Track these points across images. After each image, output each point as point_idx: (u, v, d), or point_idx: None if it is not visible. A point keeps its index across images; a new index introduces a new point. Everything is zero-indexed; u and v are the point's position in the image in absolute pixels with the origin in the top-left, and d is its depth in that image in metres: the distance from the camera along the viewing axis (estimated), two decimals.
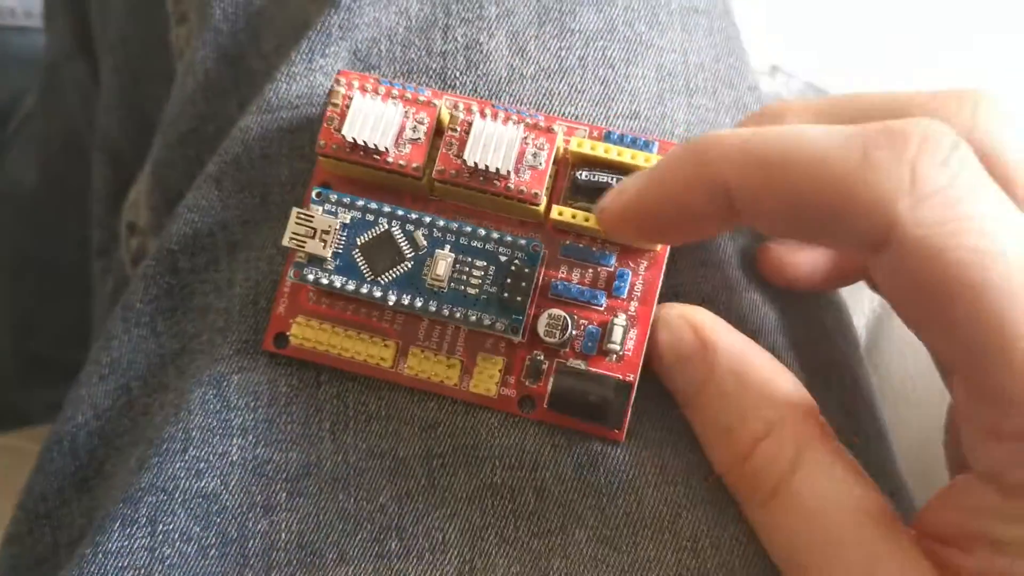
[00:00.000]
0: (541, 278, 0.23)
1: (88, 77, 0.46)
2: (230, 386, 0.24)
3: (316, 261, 0.23)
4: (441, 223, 0.22)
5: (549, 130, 0.22)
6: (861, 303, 0.34)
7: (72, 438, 0.26)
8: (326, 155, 0.23)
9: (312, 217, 0.22)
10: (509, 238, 0.22)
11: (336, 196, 0.23)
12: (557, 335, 0.22)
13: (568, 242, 0.23)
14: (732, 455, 0.21)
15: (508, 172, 0.22)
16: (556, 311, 0.22)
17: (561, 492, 0.22)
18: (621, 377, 0.22)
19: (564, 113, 0.25)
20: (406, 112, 0.23)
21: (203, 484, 0.23)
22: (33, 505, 0.26)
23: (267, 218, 0.25)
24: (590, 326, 0.23)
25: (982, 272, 0.16)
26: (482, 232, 0.22)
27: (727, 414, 0.21)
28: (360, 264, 0.22)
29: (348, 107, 0.22)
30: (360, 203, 0.23)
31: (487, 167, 0.22)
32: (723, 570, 0.21)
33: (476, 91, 0.25)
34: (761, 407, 0.20)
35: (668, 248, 0.23)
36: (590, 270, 0.23)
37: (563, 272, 0.23)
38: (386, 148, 0.22)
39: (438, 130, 0.23)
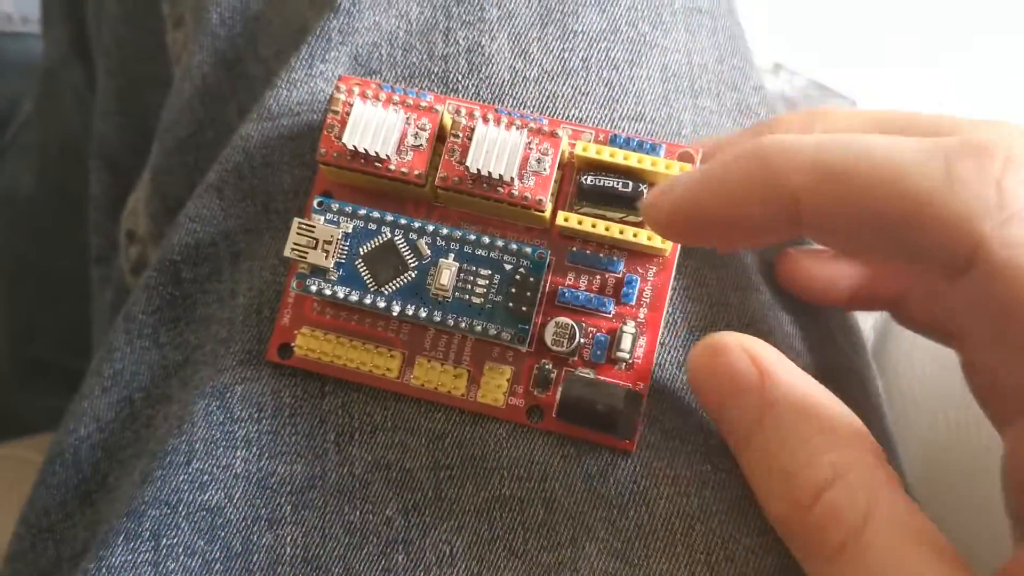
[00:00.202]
0: (548, 285, 0.23)
1: (85, 82, 0.46)
2: (233, 397, 0.23)
3: (319, 272, 0.22)
4: (444, 231, 0.22)
5: (553, 135, 0.22)
6: None
7: (75, 451, 0.26)
8: (327, 163, 0.23)
9: (313, 227, 0.22)
10: (514, 246, 0.22)
11: (338, 205, 0.22)
12: (565, 344, 0.22)
13: (575, 248, 0.23)
14: (792, 503, 0.18)
15: (512, 178, 0.22)
16: (564, 319, 0.22)
17: (571, 504, 0.22)
18: (631, 386, 0.22)
19: (568, 116, 0.24)
20: (407, 118, 0.22)
21: (207, 497, 0.23)
22: (36, 519, 0.26)
23: (269, 227, 0.25)
24: (599, 334, 0.22)
25: None
26: (486, 240, 0.22)
27: (787, 456, 0.18)
28: (363, 274, 0.22)
29: (348, 114, 0.22)
30: (362, 212, 0.22)
31: (490, 173, 0.22)
32: None
33: (479, 94, 0.25)
34: (827, 450, 0.18)
35: (677, 253, 0.23)
36: (598, 276, 0.23)
37: (570, 279, 0.23)
38: (387, 156, 0.22)
39: (440, 136, 0.23)
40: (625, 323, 0.22)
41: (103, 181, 0.41)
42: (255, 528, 0.22)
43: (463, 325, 0.22)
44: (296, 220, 0.22)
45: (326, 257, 0.22)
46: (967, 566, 0.17)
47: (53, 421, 0.27)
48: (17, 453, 0.43)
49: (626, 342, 0.22)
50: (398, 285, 0.22)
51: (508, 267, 0.22)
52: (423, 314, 0.22)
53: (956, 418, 0.25)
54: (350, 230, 0.22)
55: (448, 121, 0.23)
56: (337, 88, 0.23)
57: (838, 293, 0.23)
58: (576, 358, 0.22)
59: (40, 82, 0.51)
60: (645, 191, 0.22)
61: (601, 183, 0.22)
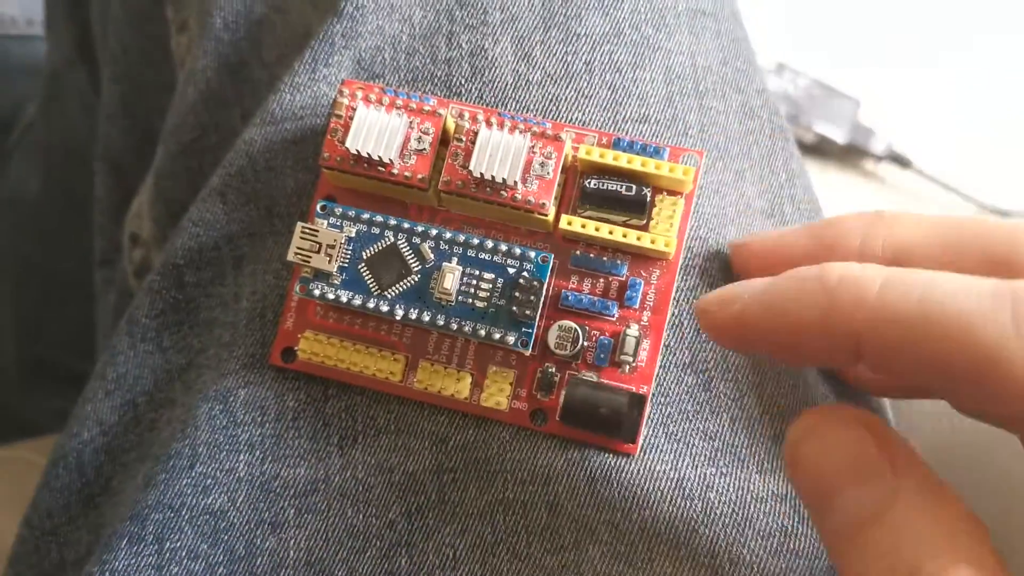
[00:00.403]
0: (551, 289, 0.23)
1: (90, 85, 0.46)
2: (237, 401, 0.23)
3: (322, 276, 0.22)
4: (448, 235, 0.22)
5: (557, 138, 0.22)
6: None
7: (78, 454, 0.26)
8: (330, 167, 0.23)
9: (317, 231, 0.22)
10: (517, 250, 0.22)
11: (341, 209, 0.22)
12: (568, 347, 0.22)
13: (578, 252, 0.23)
14: None
15: (515, 182, 0.22)
16: (567, 322, 0.22)
17: (574, 507, 0.22)
18: (634, 389, 0.22)
19: (572, 119, 0.24)
20: (411, 122, 0.22)
21: (210, 501, 0.23)
22: (39, 521, 0.26)
23: (273, 231, 0.25)
24: (602, 337, 0.22)
25: None
26: (489, 244, 0.22)
27: (911, 555, 0.16)
28: (366, 278, 0.22)
29: (352, 118, 0.22)
30: (365, 216, 0.22)
31: (494, 177, 0.22)
32: None
33: (482, 98, 0.25)
34: (955, 551, 0.16)
35: (681, 256, 0.23)
36: (601, 280, 0.23)
37: (573, 282, 0.23)
38: (391, 160, 0.22)
39: (444, 140, 0.23)
40: (628, 326, 0.22)
41: (107, 184, 0.41)
42: (258, 532, 0.22)
43: (466, 329, 0.22)
44: (299, 224, 0.22)
45: (329, 261, 0.22)
46: None
47: (57, 423, 0.27)
48: (21, 455, 0.43)
49: (629, 345, 0.22)
50: (401, 289, 0.22)
51: (511, 271, 0.22)
52: (426, 318, 0.22)
53: (960, 423, 0.25)
54: (353, 234, 0.22)
55: (451, 125, 0.23)
56: (340, 92, 0.23)
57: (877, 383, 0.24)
58: (579, 361, 0.22)
59: (44, 85, 0.51)
60: (648, 195, 0.22)
61: (604, 187, 0.22)
